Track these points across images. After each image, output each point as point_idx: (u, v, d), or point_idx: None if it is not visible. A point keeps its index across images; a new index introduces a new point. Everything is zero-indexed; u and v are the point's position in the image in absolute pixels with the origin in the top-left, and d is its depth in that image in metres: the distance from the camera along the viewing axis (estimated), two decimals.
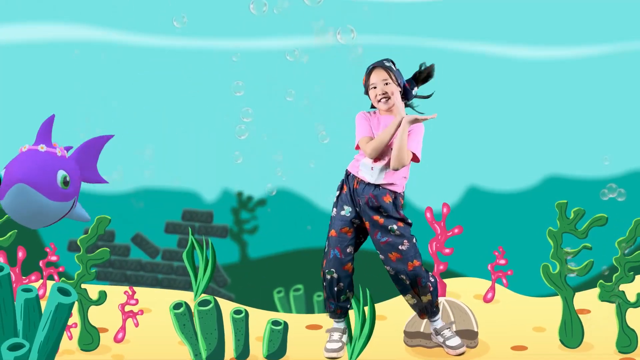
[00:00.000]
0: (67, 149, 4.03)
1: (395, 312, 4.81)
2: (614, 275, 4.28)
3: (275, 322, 4.24)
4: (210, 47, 8.81)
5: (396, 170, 4.10)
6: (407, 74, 4.26)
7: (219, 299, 4.36)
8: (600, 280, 4.30)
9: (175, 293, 5.34)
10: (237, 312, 4.22)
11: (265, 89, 8.11)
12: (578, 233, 4.30)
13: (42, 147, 3.88)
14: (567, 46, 9.00)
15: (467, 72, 8.88)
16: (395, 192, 4.13)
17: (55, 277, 4.89)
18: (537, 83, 8.94)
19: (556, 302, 4.49)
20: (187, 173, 9.05)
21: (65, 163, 3.92)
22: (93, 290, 4.51)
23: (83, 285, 4.46)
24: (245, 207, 9.04)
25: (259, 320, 4.39)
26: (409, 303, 4.25)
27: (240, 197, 9.03)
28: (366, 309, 4.16)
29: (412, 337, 4.39)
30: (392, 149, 4.10)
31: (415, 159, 4.15)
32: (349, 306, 4.24)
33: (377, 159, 4.14)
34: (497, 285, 5.03)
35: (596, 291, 4.32)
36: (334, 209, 4.22)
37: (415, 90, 4.24)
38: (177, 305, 4.17)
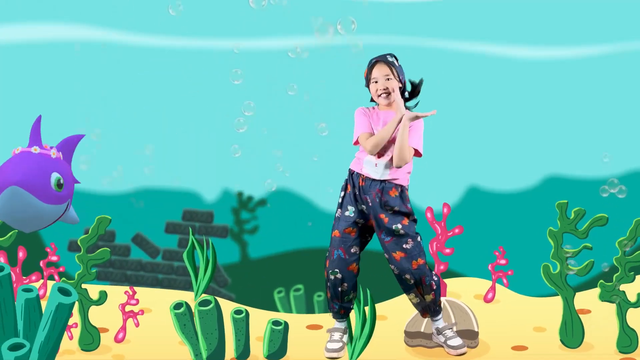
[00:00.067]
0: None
1: (396, 312, 4.81)
2: (615, 275, 4.28)
3: (276, 322, 4.24)
4: (210, 47, 8.81)
5: (399, 167, 4.10)
6: (407, 74, 4.26)
7: (219, 299, 4.36)
8: (601, 281, 4.30)
9: (176, 293, 5.34)
10: (238, 312, 4.22)
11: (266, 86, 8.11)
12: (578, 233, 4.30)
13: (35, 149, 3.83)
14: (567, 46, 9.00)
15: (467, 72, 8.88)
16: (401, 186, 4.14)
17: (56, 277, 4.89)
18: (537, 83, 8.94)
19: (557, 302, 4.49)
20: (187, 173, 9.05)
21: (59, 165, 3.88)
22: (93, 290, 4.51)
23: (83, 285, 4.46)
24: (245, 207, 9.04)
25: (260, 320, 4.39)
26: (412, 302, 4.25)
27: (241, 197, 9.03)
28: (367, 309, 4.17)
29: (412, 337, 4.39)
30: (394, 144, 4.10)
31: (417, 153, 4.15)
32: (352, 306, 4.23)
33: (380, 154, 4.14)
34: (497, 285, 5.03)
35: (597, 291, 4.32)
36: (339, 210, 4.21)
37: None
38: (177, 305, 4.17)
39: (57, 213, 3.84)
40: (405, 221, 4.13)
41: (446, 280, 4.99)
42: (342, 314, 4.26)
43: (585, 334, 4.33)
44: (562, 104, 8.89)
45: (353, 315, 4.27)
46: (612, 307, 4.32)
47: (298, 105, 8.20)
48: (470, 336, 4.34)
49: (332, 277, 4.19)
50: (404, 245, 4.11)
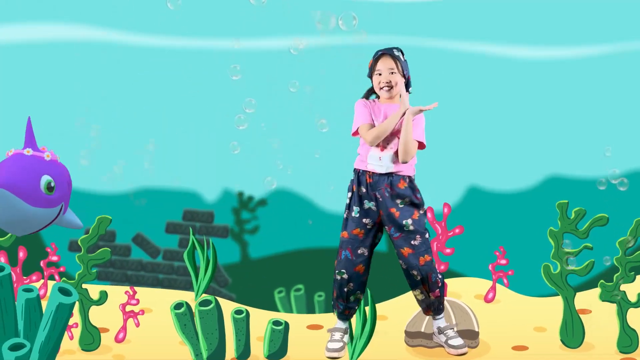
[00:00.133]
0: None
1: (396, 311, 4.82)
2: (615, 275, 4.28)
3: (276, 322, 4.24)
4: (210, 46, 8.81)
5: (405, 163, 4.11)
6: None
7: (219, 299, 4.36)
8: (601, 281, 4.30)
9: (176, 293, 5.34)
10: (238, 312, 4.22)
11: (267, 84, 8.11)
12: (579, 233, 4.30)
13: (28, 151, 3.80)
14: (567, 46, 9.00)
15: (467, 72, 8.88)
16: (408, 176, 4.14)
17: (56, 277, 4.88)
18: (537, 83, 8.94)
19: (557, 302, 4.48)
20: (187, 173, 9.05)
21: (53, 167, 3.83)
22: (94, 290, 4.51)
23: (84, 285, 4.46)
24: (246, 207, 9.03)
25: (260, 320, 4.39)
26: (417, 298, 4.25)
27: (241, 197, 9.03)
28: (367, 308, 4.17)
29: (413, 337, 4.39)
30: (397, 137, 4.10)
31: (421, 145, 4.16)
32: (357, 307, 4.23)
33: (383, 147, 4.14)
34: (498, 285, 5.03)
35: (597, 291, 4.32)
36: (346, 211, 4.21)
37: None
38: (178, 305, 4.17)
39: (47, 216, 3.79)
40: (416, 215, 4.13)
41: (447, 280, 4.97)
42: (346, 314, 4.25)
43: (585, 334, 4.33)
44: (562, 104, 8.89)
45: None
46: (612, 307, 4.32)
47: (298, 103, 8.21)
48: (470, 336, 4.34)
49: (338, 277, 4.20)
50: (412, 242, 4.12)
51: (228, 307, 4.51)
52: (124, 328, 4.51)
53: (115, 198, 8.85)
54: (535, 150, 8.87)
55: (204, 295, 4.56)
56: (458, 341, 4.24)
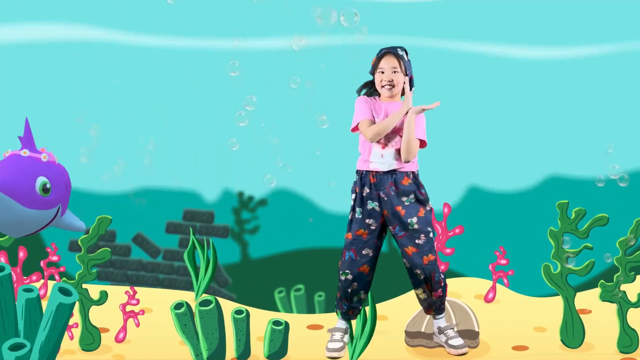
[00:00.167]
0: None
1: (397, 311, 4.82)
2: (615, 275, 4.28)
3: (276, 322, 4.24)
4: (210, 46, 8.81)
5: (408, 162, 4.12)
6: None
7: (220, 299, 4.36)
8: (601, 281, 4.30)
9: (176, 293, 5.34)
10: (238, 312, 4.22)
11: (267, 83, 8.10)
12: (579, 233, 4.30)
13: (25, 152, 3.77)
14: (567, 46, 9.00)
15: (467, 72, 8.88)
16: (412, 172, 4.15)
17: (57, 277, 4.88)
18: (537, 83, 8.94)
19: (557, 302, 4.48)
20: (188, 173, 9.05)
21: (50, 169, 3.79)
22: (94, 290, 4.51)
23: (84, 285, 4.46)
24: (246, 207, 9.04)
25: (260, 320, 4.39)
26: (419, 297, 4.25)
27: (241, 197, 9.03)
28: (367, 308, 4.17)
29: (413, 337, 4.39)
30: (399, 135, 4.10)
31: (422, 144, 4.18)
32: (361, 307, 4.23)
33: (384, 145, 4.14)
34: (498, 285, 5.03)
35: (597, 291, 4.32)
36: (351, 212, 4.22)
37: None
38: (178, 305, 4.17)
39: (43, 218, 3.76)
40: (422, 213, 4.13)
41: (447, 280, 4.98)
42: (350, 314, 4.25)
43: (585, 334, 4.33)
44: (562, 104, 8.89)
45: None
46: (612, 307, 4.32)
47: (298, 100, 8.21)
48: (470, 336, 4.34)
49: (342, 277, 4.20)
50: (417, 241, 4.12)
51: (228, 307, 4.51)
52: (124, 328, 4.51)
53: (116, 198, 8.85)
54: (535, 150, 8.87)
55: (204, 295, 4.55)
56: (458, 341, 4.24)
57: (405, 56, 4.20)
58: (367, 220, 4.17)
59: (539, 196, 8.82)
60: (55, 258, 4.86)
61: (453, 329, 4.28)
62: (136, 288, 4.57)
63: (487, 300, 5.00)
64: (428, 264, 4.13)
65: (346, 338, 4.25)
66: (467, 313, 4.42)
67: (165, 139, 8.95)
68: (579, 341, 4.33)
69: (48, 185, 3.72)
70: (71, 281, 4.44)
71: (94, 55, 8.89)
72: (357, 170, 4.22)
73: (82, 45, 8.89)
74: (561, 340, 4.35)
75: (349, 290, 4.20)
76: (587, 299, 4.68)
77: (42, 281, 4.93)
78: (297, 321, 4.69)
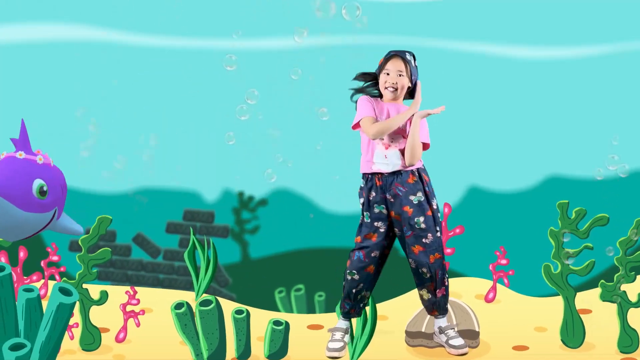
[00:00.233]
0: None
1: (397, 311, 4.82)
2: (616, 275, 4.28)
3: (277, 322, 4.24)
4: (211, 46, 8.81)
5: (412, 165, 4.12)
6: None
7: (220, 299, 4.36)
8: (602, 280, 4.30)
9: (177, 293, 5.34)
10: (239, 312, 4.22)
11: (266, 79, 8.10)
12: (579, 233, 4.30)
13: (20, 154, 3.74)
14: (567, 46, 9.00)
15: (467, 72, 8.88)
16: (417, 169, 4.15)
17: (57, 277, 4.88)
18: (537, 83, 8.94)
19: (557, 302, 4.48)
20: (188, 173, 9.05)
21: (47, 171, 3.76)
22: (94, 290, 4.51)
23: (84, 285, 4.46)
24: (246, 207, 9.04)
25: (260, 320, 4.39)
26: (422, 298, 4.25)
27: (242, 197, 9.03)
28: (367, 308, 4.17)
29: (413, 337, 4.39)
30: (403, 136, 4.10)
31: (425, 146, 4.18)
32: (362, 306, 4.23)
33: (387, 145, 4.14)
34: (498, 285, 5.03)
35: (597, 291, 4.32)
36: (361, 217, 4.24)
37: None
38: (178, 305, 4.17)
39: (40, 222, 3.73)
40: (429, 212, 4.14)
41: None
42: (352, 313, 4.25)
43: (586, 334, 4.33)
44: (562, 104, 8.89)
45: None
46: (613, 307, 4.31)
47: (298, 98, 8.21)
48: (471, 336, 4.34)
49: (349, 277, 4.20)
50: (424, 240, 4.13)
51: (228, 307, 4.51)
52: (124, 328, 4.51)
53: (116, 198, 8.85)
54: (535, 150, 8.87)
55: (204, 295, 4.56)
56: (459, 341, 4.23)
57: (412, 61, 4.20)
58: (375, 224, 4.18)
59: (539, 196, 8.82)
60: (55, 258, 4.86)
61: (453, 329, 4.28)
62: (136, 288, 4.57)
63: (488, 300, 5.00)
64: (434, 263, 4.14)
65: (347, 338, 4.25)
66: (467, 313, 4.42)
67: (166, 138, 8.95)
68: (579, 341, 4.33)
69: (45, 188, 3.69)
70: (71, 281, 4.44)
71: (94, 55, 8.89)
72: (363, 174, 4.22)
73: (82, 45, 8.89)
74: (561, 340, 4.35)
75: (354, 290, 4.20)
76: (588, 299, 4.68)
77: (42, 281, 4.93)
78: (298, 321, 4.69)
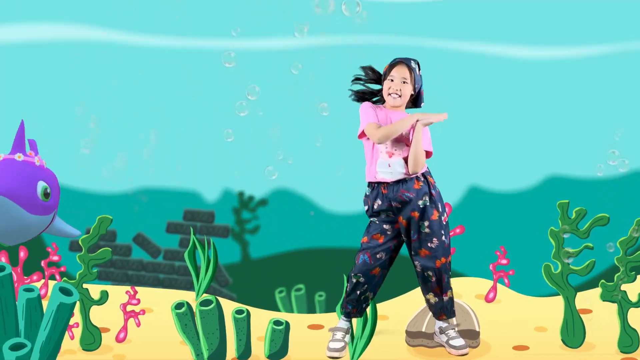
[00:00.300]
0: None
1: (397, 311, 4.82)
2: (616, 275, 4.28)
3: (277, 322, 4.24)
4: (211, 46, 8.81)
5: (415, 173, 4.12)
6: None
7: (220, 299, 4.36)
8: (602, 280, 4.30)
9: (177, 293, 5.34)
10: (239, 311, 4.22)
11: (266, 81, 8.10)
12: (580, 233, 4.30)
13: (19, 157, 3.72)
14: (567, 46, 9.00)
15: (467, 72, 8.88)
16: (423, 173, 4.15)
17: (57, 276, 4.88)
18: (537, 83, 8.94)
19: (558, 302, 4.49)
20: (188, 173, 9.05)
21: (44, 173, 3.76)
22: (95, 290, 4.51)
23: (85, 285, 4.46)
24: (246, 207, 9.03)
25: (261, 320, 4.39)
26: (429, 302, 4.25)
27: (242, 197, 9.03)
28: (368, 308, 4.17)
29: (413, 337, 4.39)
30: (406, 144, 4.10)
31: (428, 154, 4.18)
32: (364, 307, 4.23)
33: (391, 154, 4.13)
34: (498, 285, 5.03)
35: (598, 291, 4.32)
36: (370, 220, 4.24)
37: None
38: (178, 305, 4.17)
39: (43, 224, 3.72)
40: (435, 215, 4.13)
41: None
42: (354, 313, 4.25)
43: (586, 333, 4.33)
44: (562, 104, 8.89)
45: None
46: (613, 307, 4.32)
47: (299, 99, 8.20)
48: (471, 336, 4.34)
49: (354, 280, 4.19)
50: (430, 244, 4.13)
51: (229, 306, 4.51)
52: (124, 328, 4.51)
53: (116, 198, 8.85)
54: (535, 150, 8.87)
55: (204, 295, 4.56)
56: (459, 342, 4.23)
57: (417, 69, 4.19)
58: (384, 226, 4.18)
59: (539, 196, 8.81)
60: (55, 258, 4.86)
61: (454, 329, 4.28)
62: (137, 288, 4.57)
63: (488, 300, 5.00)
64: (440, 267, 4.14)
65: (347, 338, 4.25)
66: (467, 313, 4.43)
67: (166, 138, 8.94)
68: (579, 341, 4.33)
69: (49, 190, 3.69)
70: (72, 281, 4.44)
71: (94, 55, 8.89)
72: (369, 183, 4.21)
73: (82, 45, 8.89)
74: (562, 340, 4.35)
75: (358, 292, 4.20)
76: (588, 299, 4.68)
77: (42, 281, 4.93)
78: (298, 321, 4.69)
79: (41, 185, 3.64)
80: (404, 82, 4.16)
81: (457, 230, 4.85)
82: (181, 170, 9.03)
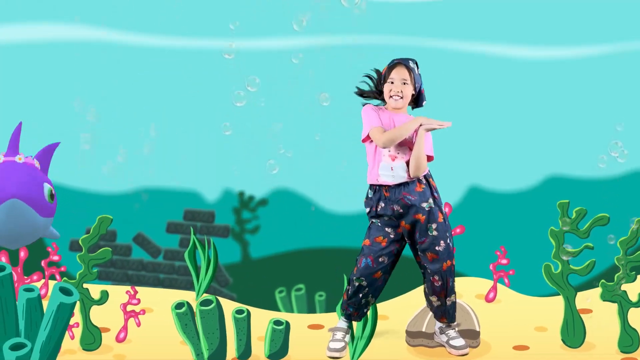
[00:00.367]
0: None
1: (397, 311, 4.82)
2: (616, 275, 4.28)
3: (277, 322, 4.24)
4: (211, 46, 8.81)
5: (417, 177, 4.11)
6: None
7: (220, 299, 4.36)
8: (602, 280, 4.30)
9: (177, 293, 5.34)
10: (239, 311, 4.22)
11: (266, 81, 8.09)
12: (580, 233, 4.30)
13: (19, 158, 3.71)
14: (567, 46, 9.00)
15: (467, 72, 8.88)
16: (424, 176, 4.15)
17: (57, 276, 4.88)
18: (537, 83, 8.94)
19: (558, 302, 4.48)
20: (188, 173, 9.05)
21: (43, 175, 3.76)
22: (95, 289, 4.51)
23: (85, 285, 4.46)
24: (246, 206, 9.04)
25: (261, 320, 4.39)
26: (432, 304, 4.24)
27: (242, 196, 9.03)
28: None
29: (414, 336, 4.39)
30: (409, 148, 4.10)
31: (429, 158, 4.17)
32: (366, 311, 4.23)
33: (394, 157, 4.13)
34: (499, 285, 5.03)
35: (598, 291, 4.32)
36: (370, 221, 4.23)
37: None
38: (179, 305, 4.17)
39: (47, 226, 3.72)
40: (440, 218, 4.13)
41: None
42: (355, 316, 4.24)
43: (586, 333, 4.33)
44: (562, 104, 8.89)
45: None
46: (613, 307, 4.32)
47: (299, 99, 8.20)
48: (471, 336, 4.35)
49: (356, 283, 4.17)
50: (436, 248, 4.12)
51: (229, 306, 4.51)
52: (125, 328, 4.51)
53: (116, 198, 8.85)
54: (536, 150, 8.87)
55: (204, 295, 4.56)
56: (460, 342, 4.23)
57: (415, 69, 4.19)
58: (386, 229, 4.17)
59: (539, 196, 8.82)
60: (56, 258, 4.86)
61: (454, 329, 4.28)
62: (137, 288, 4.57)
63: (488, 300, 5.00)
64: (445, 270, 4.14)
65: (347, 338, 4.24)
66: (468, 313, 4.43)
67: (166, 138, 8.95)
68: (579, 341, 4.33)
69: (54, 192, 3.69)
70: (72, 281, 4.44)
71: (94, 55, 8.89)
72: (370, 185, 4.20)
73: (82, 45, 8.89)
74: (562, 340, 4.35)
75: (360, 295, 4.19)
76: (589, 298, 4.68)
77: (42, 281, 4.93)
78: (298, 321, 4.69)
79: (47, 187, 3.64)
80: (404, 84, 4.16)
81: (457, 230, 4.84)
82: (181, 170, 9.03)
